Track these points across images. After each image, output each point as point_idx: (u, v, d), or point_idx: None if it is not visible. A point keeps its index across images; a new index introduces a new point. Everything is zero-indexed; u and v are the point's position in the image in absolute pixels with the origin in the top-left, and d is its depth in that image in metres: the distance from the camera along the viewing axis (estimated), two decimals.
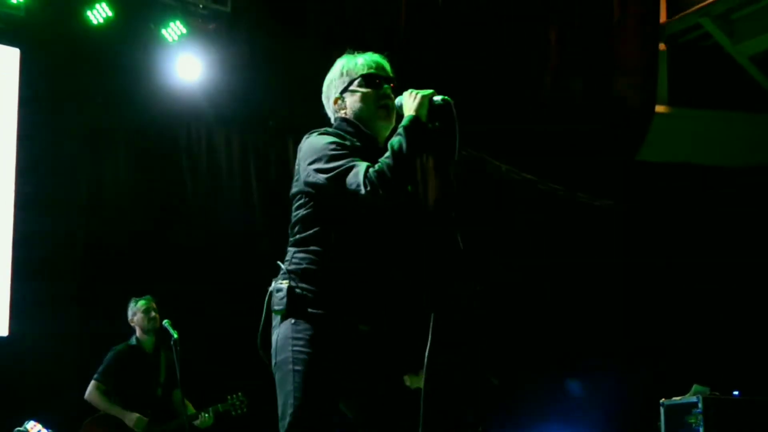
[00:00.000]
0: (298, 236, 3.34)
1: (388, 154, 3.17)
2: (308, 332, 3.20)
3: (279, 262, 3.32)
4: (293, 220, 3.38)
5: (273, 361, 3.27)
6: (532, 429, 8.67)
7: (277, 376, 3.25)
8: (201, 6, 8.22)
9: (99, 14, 7.83)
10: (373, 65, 3.47)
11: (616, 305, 9.47)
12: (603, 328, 9.31)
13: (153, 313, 7.04)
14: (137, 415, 6.83)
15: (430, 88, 3.32)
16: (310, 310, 3.22)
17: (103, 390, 6.88)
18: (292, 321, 3.23)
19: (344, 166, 3.20)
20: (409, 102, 3.27)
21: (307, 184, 3.33)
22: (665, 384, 8.05)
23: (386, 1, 8.66)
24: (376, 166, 3.15)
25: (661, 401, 7.75)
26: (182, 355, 6.52)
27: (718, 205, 9.56)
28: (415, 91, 3.29)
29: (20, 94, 7.90)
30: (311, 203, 3.33)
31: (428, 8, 8.69)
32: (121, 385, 6.94)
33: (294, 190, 3.40)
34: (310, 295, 3.23)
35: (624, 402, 8.78)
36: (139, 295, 7.25)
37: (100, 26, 7.86)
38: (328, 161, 3.24)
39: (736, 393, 7.64)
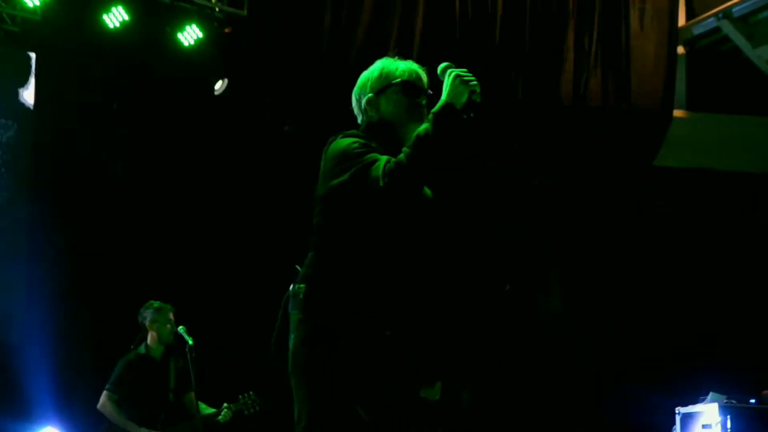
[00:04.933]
0: (319, 240, 3.26)
1: (411, 142, 3.07)
2: (325, 337, 3.11)
3: (297, 266, 3.24)
4: (315, 223, 3.28)
5: (289, 366, 3.20)
6: None
7: (293, 381, 3.18)
8: (217, 10, 8.21)
9: (115, 18, 7.83)
10: (413, 74, 3.39)
11: (634, 311, 9.42)
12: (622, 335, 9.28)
13: (171, 326, 6.84)
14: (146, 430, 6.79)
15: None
16: (327, 314, 3.13)
17: (115, 400, 6.81)
18: (309, 325, 3.14)
19: (365, 162, 3.11)
20: (448, 85, 3.16)
21: (330, 185, 3.21)
22: (681, 392, 8.02)
23: (404, 8, 8.61)
24: (398, 157, 3.06)
25: (677, 409, 7.72)
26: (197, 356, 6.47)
27: (736, 212, 9.50)
28: (456, 72, 3.17)
29: (36, 98, 7.92)
30: (333, 206, 3.23)
31: (445, 20, 8.64)
32: (133, 393, 6.83)
33: (317, 193, 3.29)
34: (328, 299, 3.14)
35: (639, 410, 8.74)
36: (154, 299, 7.12)
37: (116, 30, 7.86)
38: (350, 159, 3.15)
39: (753, 401, 7.61)
